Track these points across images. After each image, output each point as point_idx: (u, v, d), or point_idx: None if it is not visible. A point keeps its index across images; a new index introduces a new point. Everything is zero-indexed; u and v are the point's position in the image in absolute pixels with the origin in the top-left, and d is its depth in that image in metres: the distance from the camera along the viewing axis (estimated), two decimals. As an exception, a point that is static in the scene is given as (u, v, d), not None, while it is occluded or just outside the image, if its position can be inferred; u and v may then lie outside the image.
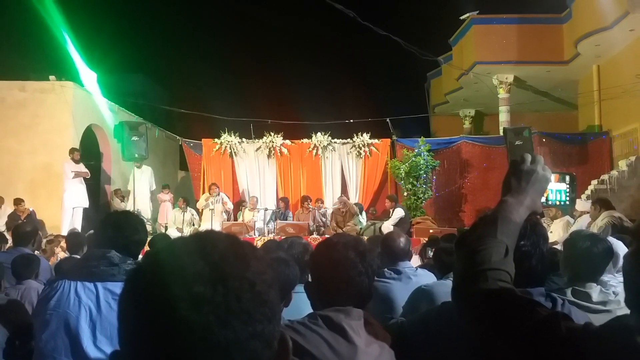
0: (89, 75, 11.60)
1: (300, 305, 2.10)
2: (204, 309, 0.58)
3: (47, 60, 13.63)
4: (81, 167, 10.02)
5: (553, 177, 1.20)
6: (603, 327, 0.90)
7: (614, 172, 11.27)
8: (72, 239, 5.23)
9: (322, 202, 11.15)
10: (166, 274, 0.60)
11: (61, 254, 6.14)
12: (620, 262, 2.50)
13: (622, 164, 11.33)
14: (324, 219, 10.75)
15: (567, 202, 1.28)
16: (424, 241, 6.85)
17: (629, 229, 4.91)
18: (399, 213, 9.89)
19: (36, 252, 4.78)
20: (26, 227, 4.51)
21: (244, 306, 0.60)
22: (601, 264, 2.38)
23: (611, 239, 2.64)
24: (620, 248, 2.60)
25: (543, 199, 1.19)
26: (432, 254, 4.36)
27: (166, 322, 0.58)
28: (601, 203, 6.09)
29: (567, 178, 1.27)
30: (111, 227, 2.20)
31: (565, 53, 13.88)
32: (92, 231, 6.35)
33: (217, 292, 0.59)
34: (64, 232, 8.75)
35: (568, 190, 1.27)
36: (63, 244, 6.55)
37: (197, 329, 0.58)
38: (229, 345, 0.59)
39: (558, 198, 1.27)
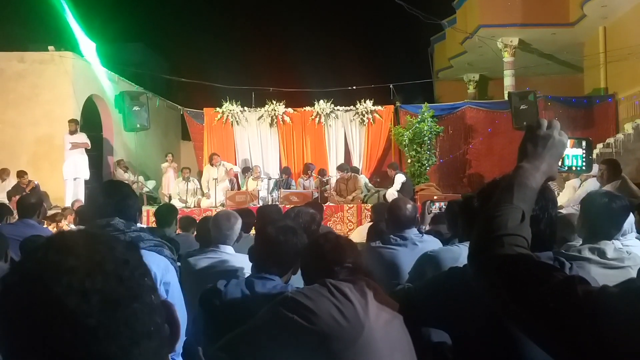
0: (88, 45, 11.45)
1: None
2: (92, 300, 0.60)
3: (46, 30, 13.44)
4: (80, 138, 9.94)
5: (569, 142, 1.19)
6: (620, 290, 0.89)
7: (620, 136, 11.18)
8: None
9: (311, 172, 10.90)
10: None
11: (65, 227, 6.19)
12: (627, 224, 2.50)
13: (628, 127, 11.23)
14: (325, 186, 10.69)
15: (584, 167, 1.26)
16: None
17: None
18: (400, 178, 9.96)
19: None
20: (31, 199, 4.49)
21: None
22: (618, 220, 2.38)
23: None
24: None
25: (559, 164, 1.17)
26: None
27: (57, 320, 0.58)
28: (609, 164, 5.72)
29: (584, 143, 1.25)
30: (102, 196, 2.19)
31: (571, 15, 13.61)
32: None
33: (97, 280, 0.61)
34: (68, 204, 8.79)
35: (584, 155, 1.25)
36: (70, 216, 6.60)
37: (87, 317, 0.59)
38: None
39: (574, 163, 1.25)
